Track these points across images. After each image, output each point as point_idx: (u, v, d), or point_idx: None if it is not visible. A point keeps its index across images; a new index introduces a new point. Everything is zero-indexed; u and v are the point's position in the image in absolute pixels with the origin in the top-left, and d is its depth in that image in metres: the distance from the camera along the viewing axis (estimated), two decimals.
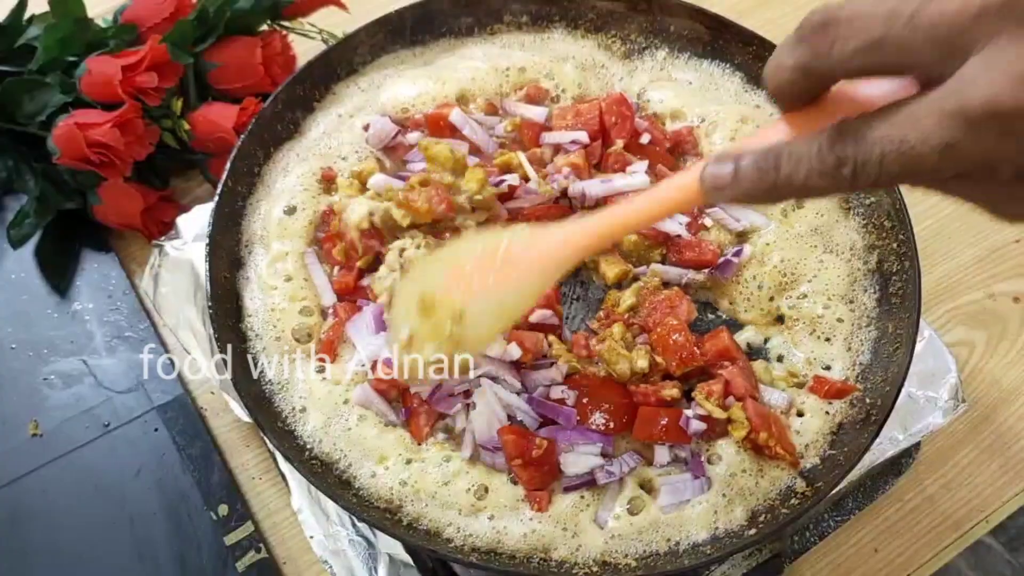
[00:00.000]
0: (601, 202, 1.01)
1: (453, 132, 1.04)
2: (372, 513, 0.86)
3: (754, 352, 0.98)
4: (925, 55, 0.48)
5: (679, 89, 1.11)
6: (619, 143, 1.04)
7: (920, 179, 0.53)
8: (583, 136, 1.03)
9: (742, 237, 1.02)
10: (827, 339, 0.97)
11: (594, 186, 1.01)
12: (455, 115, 1.04)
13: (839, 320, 0.97)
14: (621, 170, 1.03)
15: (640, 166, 1.02)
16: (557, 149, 1.05)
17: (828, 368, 0.96)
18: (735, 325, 0.99)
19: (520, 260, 0.73)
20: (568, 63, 1.11)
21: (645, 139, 1.05)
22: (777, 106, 0.60)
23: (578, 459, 0.89)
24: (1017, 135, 0.45)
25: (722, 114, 1.08)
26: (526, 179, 1.01)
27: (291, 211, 1.01)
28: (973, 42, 0.46)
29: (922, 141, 0.48)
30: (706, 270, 0.99)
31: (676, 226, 1.01)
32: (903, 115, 0.49)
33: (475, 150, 1.04)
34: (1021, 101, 0.44)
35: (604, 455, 0.89)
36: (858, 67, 0.52)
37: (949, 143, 0.47)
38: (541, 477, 0.88)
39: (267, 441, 1.02)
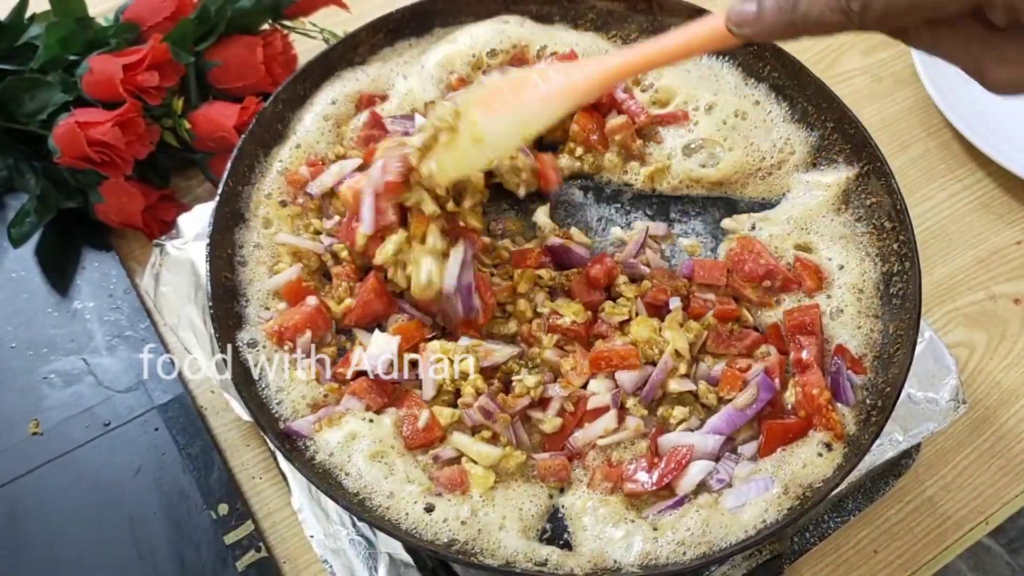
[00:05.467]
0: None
1: None
2: (373, 513, 0.86)
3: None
4: None
5: (676, 73, 1.11)
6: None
7: (920, 11, 0.61)
8: None
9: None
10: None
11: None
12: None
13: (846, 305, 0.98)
14: None
15: None
16: None
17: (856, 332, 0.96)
18: None
19: (543, 88, 0.85)
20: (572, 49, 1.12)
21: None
22: None
23: (694, 465, 0.88)
24: None
25: (719, 101, 1.08)
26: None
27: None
28: None
29: None
30: None
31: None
32: None
33: None
34: None
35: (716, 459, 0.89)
36: None
37: None
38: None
39: (267, 440, 1.02)
